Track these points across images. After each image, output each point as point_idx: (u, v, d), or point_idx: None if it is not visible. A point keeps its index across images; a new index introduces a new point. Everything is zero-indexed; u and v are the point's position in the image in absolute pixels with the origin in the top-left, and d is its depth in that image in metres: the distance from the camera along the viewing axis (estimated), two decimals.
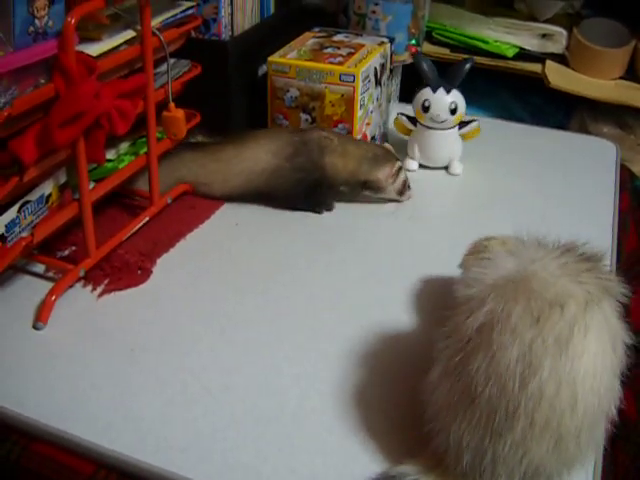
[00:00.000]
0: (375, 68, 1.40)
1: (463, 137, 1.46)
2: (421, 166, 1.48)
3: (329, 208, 1.32)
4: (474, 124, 1.46)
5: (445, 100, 1.40)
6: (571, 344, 0.70)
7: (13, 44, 0.87)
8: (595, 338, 0.71)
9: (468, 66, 1.40)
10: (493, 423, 0.71)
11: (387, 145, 1.39)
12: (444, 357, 0.77)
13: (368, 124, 1.42)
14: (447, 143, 1.46)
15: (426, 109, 1.41)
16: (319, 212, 1.31)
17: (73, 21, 0.91)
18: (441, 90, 1.40)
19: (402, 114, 1.48)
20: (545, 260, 0.76)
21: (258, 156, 1.29)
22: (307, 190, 1.29)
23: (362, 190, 1.32)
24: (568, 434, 0.71)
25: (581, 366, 0.70)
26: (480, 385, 0.72)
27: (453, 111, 1.40)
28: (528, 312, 0.71)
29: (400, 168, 1.32)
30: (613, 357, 0.73)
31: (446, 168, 1.48)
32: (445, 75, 1.42)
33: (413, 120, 1.46)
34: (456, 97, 1.41)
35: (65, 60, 0.91)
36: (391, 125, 1.54)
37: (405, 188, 1.34)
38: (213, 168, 1.31)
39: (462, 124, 1.45)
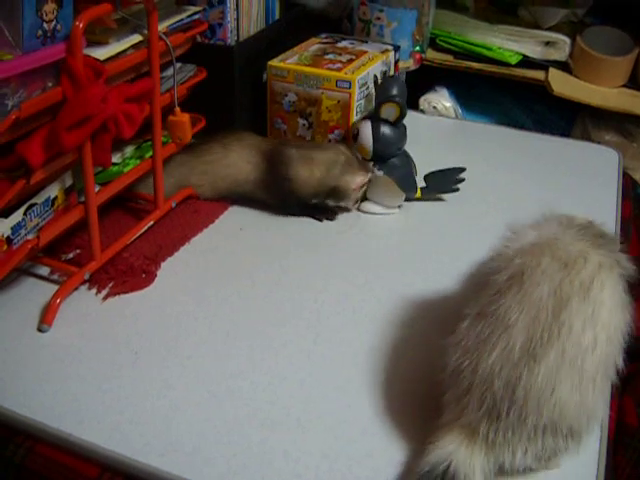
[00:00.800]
0: (375, 75, 1.40)
1: None
2: None
3: (331, 217, 1.31)
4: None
5: None
6: (592, 292, 0.76)
7: (22, 47, 0.87)
8: (609, 295, 0.77)
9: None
10: (529, 347, 0.74)
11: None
12: (473, 310, 0.80)
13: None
14: None
15: None
16: (319, 220, 1.31)
17: (81, 25, 0.91)
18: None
19: None
20: (565, 232, 0.83)
21: (240, 165, 1.29)
22: (295, 201, 1.30)
23: (326, 198, 1.30)
24: (588, 374, 0.74)
25: (600, 314, 0.75)
26: (514, 315, 0.75)
27: None
28: (556, 260, 0.78)
29: (369, 180, 1.30)
30: (622, 319, 0.78)
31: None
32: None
33: None
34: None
35: (73, 64, 0.91)
36: None
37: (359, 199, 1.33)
38: (202, 170, 1.31)
39: None
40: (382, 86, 1.32)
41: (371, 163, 1.32)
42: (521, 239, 0.83)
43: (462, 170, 1.39)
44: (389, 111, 1.29)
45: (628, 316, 0.79)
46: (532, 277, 0.77)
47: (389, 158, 1.33)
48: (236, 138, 1.32)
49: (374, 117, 1.30)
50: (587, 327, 0.74)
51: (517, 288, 0.77)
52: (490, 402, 0.75)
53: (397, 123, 1.30)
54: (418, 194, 1.35)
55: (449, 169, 1.39)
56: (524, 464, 0.77)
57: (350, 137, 1.35)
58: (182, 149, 1.30)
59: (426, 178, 1.37)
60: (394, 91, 1.30)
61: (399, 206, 1.34)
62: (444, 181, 1.38)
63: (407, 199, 1.34)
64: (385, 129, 1.30)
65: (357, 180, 1.28)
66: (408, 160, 1.36)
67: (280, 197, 1.29)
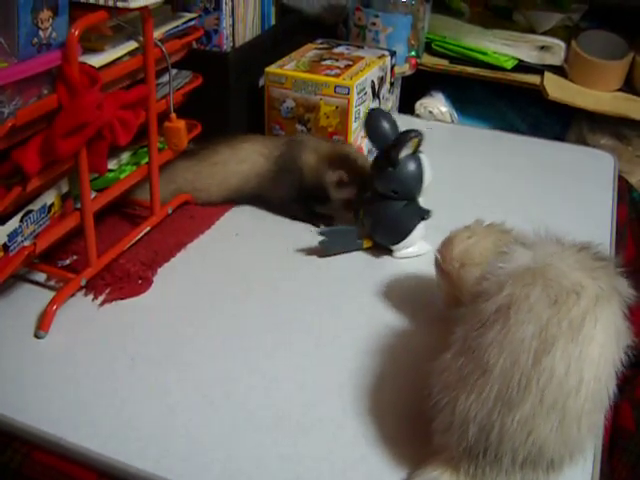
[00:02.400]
0: (372, 81, 1.40)
1: None
2: None
3: (328, 222, 1.31)
4: None
5: None
6: (583, 330, 0.73)
7: (17, 55, 0.88)
8: (603, 330, 0.74)
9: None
10: (504, 395, 0.72)
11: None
12: (459, 338, 0.79)
13: (364, 137, 1.42)
14: None
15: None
16: (316, 225, 1.30)
17: (77, 33, 0.91)
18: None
19: None
20: (561, 254, 0.79)
21: (252, 157, 1.30)
22: (299, 196, 1.30)
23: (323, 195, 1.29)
24: (571, 416, 0.73)
25: (589, 353, 0.73)
26: (493, 357, 0.73)
27: None
28: (545, 295, 0.74)
29: (348, 181, 1.24)
30: (615, 351, 0.75)
31: None
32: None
33: None
34: None
35: (68, 71, 0.92)
36: None
37: (350, 205, 1.28)
38: (209, 172, 1.32)
39: None
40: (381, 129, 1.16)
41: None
42: (515, 260, 0.80)
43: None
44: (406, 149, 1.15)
45: (625, 342, 0.77)
46: (518, 313, 0.74)
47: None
48: (242, 139, 1.33)
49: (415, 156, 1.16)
50: (572, 370, 0.72)
51: (502, 324, 0.74)
52: (467, 443, 0.75)
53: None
54: None
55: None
56: None
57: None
58: (184, 156, 1.31)
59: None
60: (387, 125, 1.16)
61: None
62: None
63: None
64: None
65: (333, 175, 1.25)
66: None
67: (286, 188, 1.29)
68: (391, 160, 1.13)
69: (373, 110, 1.19)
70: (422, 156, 1.16)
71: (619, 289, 0.79)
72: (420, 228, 1.20)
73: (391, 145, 1.13)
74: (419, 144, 1.15)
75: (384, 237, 1.21)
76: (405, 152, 1.13)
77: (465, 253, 1.00)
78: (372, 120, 1.17)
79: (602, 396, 0.75)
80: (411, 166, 1.15)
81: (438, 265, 1.04)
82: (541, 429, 0.73)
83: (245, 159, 1.30)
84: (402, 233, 1.20)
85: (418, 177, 1.16)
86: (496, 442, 0.73)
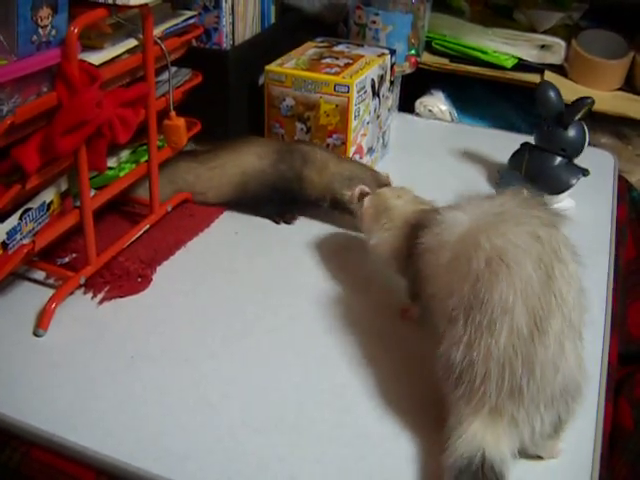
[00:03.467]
0: (372, 79, 1.40)
1: None
2: None
3: (288, 221, 1.31)
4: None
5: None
6: (561, 254, 0.81)
7: (17, 52, 0.88)
8: (567, 252, 0.83)
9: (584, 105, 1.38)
10: (535, 324, 0.78)
11: (384, 173, 1.30)
12: (459, 305, 0.82)
13: (364, 135, 1.42)
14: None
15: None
16: (277, 222, 1.31)
17: (76, 30, 0.91)
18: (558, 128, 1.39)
19: None
20: (511, 205, 0.87)
21: (249, 160, 1.30)
22: (277, 197, 1.30)
23: (335, 209, 1.29)
24: (577, 328, 0.81)
25: (569, 270, 0.82)
26: (510, 296, 0.78)
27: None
28: (527, 234, 0.82)
29: (364, 193, 1.18)
30: (577, 267, 0.84)
31: None
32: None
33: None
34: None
35: (68, 69, 0.91)
36: (391, 137, 1.55)
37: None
38: (208, 176, 1.32)
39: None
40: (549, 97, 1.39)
41: None
42: (453, 221, 0.88)
43: None
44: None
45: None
46: (515, 257, 0.80)
47: None
48: (244, 142, 1.33)
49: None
50: (571, 287, 0.81)
51: (504, 270, 0.79)
52: (511, 381, 0.77)
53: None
54: None
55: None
56: (543, 434, 0.80)
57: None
58: (187, 157, 1.31)
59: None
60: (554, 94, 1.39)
61: None
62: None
63: None
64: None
65: (349, 193, 1.22)
66: None
67: (273, 192, 1.29)
68: (565, 122, 1.37)
69: (543, 82, 1.45)
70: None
71: (559, 215, 0.88)
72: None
73: (567, 110, 1.37)
74: (588, 112, 1.38)
75: (546, 187, 1.37)
76: (577, 116, 1.36)
77: (385, 207, 1.09)
78: (542, 90, 1.40)
79: (585, 308, 0.83)
80: (578, 129, 1.39)
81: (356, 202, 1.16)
82: (567, 348, 0.79)
83: (243, 162, 1.30)
84: (564, 185, 1.40)
85: (583, 139, 1.40)
86: (539, 370, 0.77)
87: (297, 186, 1.28)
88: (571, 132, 1.39)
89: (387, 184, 1.24)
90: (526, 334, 0.77)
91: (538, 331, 0.77)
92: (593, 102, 1.37)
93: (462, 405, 0.81)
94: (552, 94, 1.39)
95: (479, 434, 0.78)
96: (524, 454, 0.82)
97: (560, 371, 0.78)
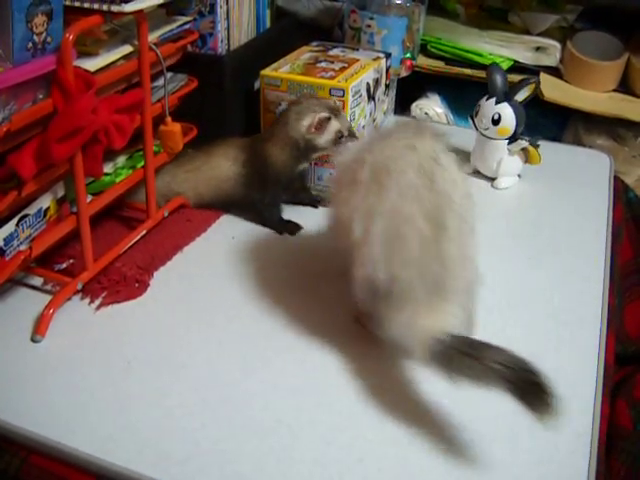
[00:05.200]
0: (368, 83, 1.40)
1: (527, 159, 1.48)
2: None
3: (292, 232, 1.30)
4: (524, 143, 1.46)
5: (491, 109, 1.45)
6: (439, 160, 0.91)
7: (12, 60, 0.88)
8: (447, 159, 0.93)
9: (527, 83, 1.46)
10: (433, 226, 0.86)
11: (332, 100, 1.32)
12: (361, 225, 0.91)
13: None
14: (491, 153, 1.48)
15: (476, 114, 1.48)
16: (280, 233, 1.30)
17: (71, 37, 0.92)
18: (492, 99, 1.45)
19: None
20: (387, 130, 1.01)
21: (222, 163, 1.30)
22: (273, 194, 1.30)
23: (302, 161, 1.29)
24: (468, 222, 0.91)
25: (454, 174, 0.92)
26: (405, 203, 0.87)
27: (495, 122, 1.44)
28: (405, 147, 0.92)
29: (325, 118, 1.23)
30: (459, 172, 0.94)
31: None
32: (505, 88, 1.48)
33: None
34: (503, 109, 1.44)
35: (63, 75, 0.92)
36: None
37: (337, 137, 1.25)
38: (183, 178, 1.32)
39: (512, 140, 1.47)
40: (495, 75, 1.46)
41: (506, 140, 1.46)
42: (346, 152, 1.00)
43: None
44: (523, 92, 1.44)
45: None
46: (397, 166, 0.89)
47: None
48: (218, 143, 1.33)
49: (509, 99, 1.43)
50: (456, 188, 0.90)
51: (388, 181, 0.88)
52: (432, 280, 0.86)
53: (523, 102, 1.45)
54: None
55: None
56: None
57: (491, 123, 1.45)
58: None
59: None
60: (500, 78, 1.46)
61: None
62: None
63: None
64: (520, 109, 1.44)
65: (305, 123, 1.24)
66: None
67: (261, 185, 1.28)
68: (510, 98, 1.44)
69: (491, 65, 1.52)
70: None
71: (437, 133, 0.96)
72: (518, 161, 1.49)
73: (510, 89, 1.45)
74: (535, 90, 1.46)
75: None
76: (519, 95, 1.45)
77: None
78: (490, 71, 1.48)
79: (472, 209, 0.93)
80: (520, 108, 1.44)
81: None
82: (468, 242, 0.89)
83: (215, 166, 1.30)
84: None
85: (523, 117, 1.45)
86: (446, 269, 0.86)
87: (262, 164, 1.28)
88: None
89: (336, 109, 1.27)
90: (431, 236, 0.85)
91: (439, 230, 0.86)
92: (537, 82, 1.46)
93: (394, 313, 0.87)
94: (498, 76, 1.46)
95: (429, 320, 0.85)
96: None
97: (468, 259, 0.88)
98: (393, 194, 0.87)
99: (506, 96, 1.44)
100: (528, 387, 0.76)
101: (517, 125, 1.44)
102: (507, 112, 1.44)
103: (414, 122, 0.99)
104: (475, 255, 0.90)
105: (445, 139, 0.96)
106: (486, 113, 1.45)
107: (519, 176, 1.51)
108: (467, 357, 0.80)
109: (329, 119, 1.24)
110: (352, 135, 1.27)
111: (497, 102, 1.44)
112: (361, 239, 0.90)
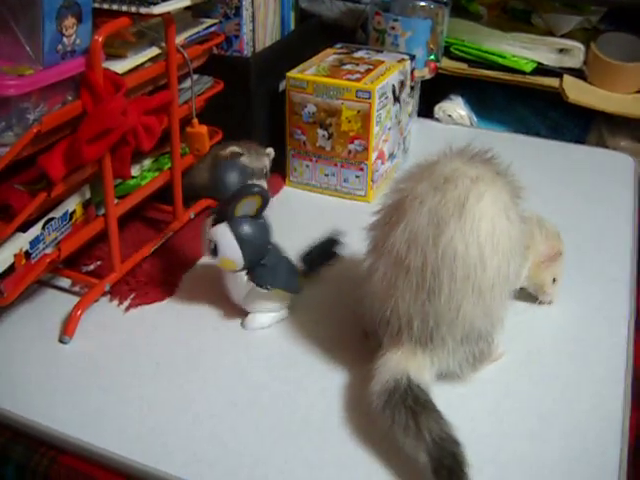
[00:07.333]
0: (393, 85, 1.40)
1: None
2: None
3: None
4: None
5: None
6: (467, 206, 0.83)
7: (42, 62, 0.89)
8: (489, 205, 0.84)
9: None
10: (426, 283, 0.84)
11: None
12: (374, 238, 0.92)
13: (385, 141, 1.43)
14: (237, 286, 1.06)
15: None
16: None
17: (100, 39, 0.92)
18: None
19: None
20: (449, 157, 0.91)
21: (201, 174, 1.31)
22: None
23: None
24: (484, 287, 0.84)
25: (481, 227, 0.83)
26: (403, 248, 0.85)
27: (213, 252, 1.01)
28: (430, 185, 0.85)
29: (234, 153, 1.27)
30: (508, 224, 0.86)
31: None
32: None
33: None
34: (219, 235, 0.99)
35: (92, 77, 0.92)
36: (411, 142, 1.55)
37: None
38: None
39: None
40: (222, 179, 1.02)
41: (244, 272, 1.02)
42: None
43: (337, 242, 1.13)
44: (247, 206, 0.98)
45: (517, 221, 0.88)
46: (412, 206, 0.85)
47: (261, 259, 1.01)
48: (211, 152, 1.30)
49: (229, 218, 0.99)
50: (470, 243, 0.82)
51: (402, 219, 0.86)
52: (416, 334, 0.86)
53: (258, 215, 1.00)
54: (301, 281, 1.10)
55: (324, 241, 1.13)
56: (457, 369, 0.90)
57: (209, 253, 1.01)
58: None
59: (304, 259, 1.11)
60: (234, 178, 1.02)
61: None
62: (322, 254, 1.13)
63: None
64: (248, 228, 0.99)
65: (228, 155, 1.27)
66: (277, 248, 1.06)
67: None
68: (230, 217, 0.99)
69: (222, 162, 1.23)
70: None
71: (501, 172, 0.90)
72: None
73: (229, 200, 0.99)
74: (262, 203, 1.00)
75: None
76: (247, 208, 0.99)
77: None
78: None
79: (507, 266, 0.86)
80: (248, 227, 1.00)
81: None
82: (465, 304, 0.84)
83: (195, 175, 1.32)
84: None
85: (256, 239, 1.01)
86: (436, 327, 0.85)
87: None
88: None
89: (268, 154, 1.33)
90: (422, 296, 0.84)
91: (429, 292, 0.84)
92: (263, 193, 0.97)
93: (387, 340, 0.90)
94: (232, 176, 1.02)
95: (402, 363, 0.86)
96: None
97: (458, 324, 0.85)
98: (399, 234, 0.86)
99: (223, 214, 0.99)
100: (445, 471, 0.76)
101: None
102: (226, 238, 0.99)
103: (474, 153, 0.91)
104: (483, 313, 0.87)
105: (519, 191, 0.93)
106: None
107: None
108: (405, 409, 0.81)
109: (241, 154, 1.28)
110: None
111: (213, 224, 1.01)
112: (367, 271, 0.93)
